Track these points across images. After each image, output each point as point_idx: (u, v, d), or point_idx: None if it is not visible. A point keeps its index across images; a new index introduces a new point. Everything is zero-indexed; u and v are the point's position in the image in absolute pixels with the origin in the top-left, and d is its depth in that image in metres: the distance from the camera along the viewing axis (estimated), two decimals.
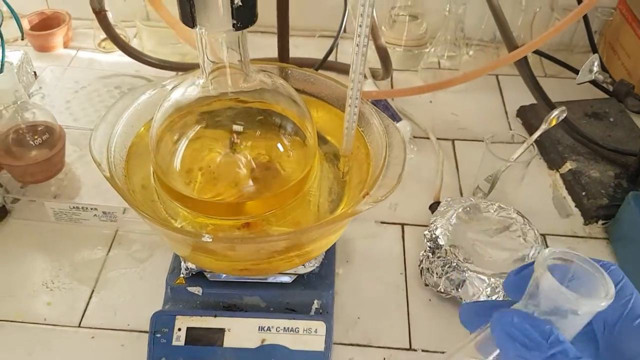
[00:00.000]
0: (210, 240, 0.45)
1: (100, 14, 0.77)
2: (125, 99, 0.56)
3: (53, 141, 0.69)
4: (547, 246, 0.65)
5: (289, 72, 0.62)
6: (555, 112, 0.69)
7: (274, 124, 0.52)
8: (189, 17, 0.42)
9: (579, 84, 0.80)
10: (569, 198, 0.77)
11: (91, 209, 0.69)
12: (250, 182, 0.51)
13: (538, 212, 0.75)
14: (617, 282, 0.32)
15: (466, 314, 0.36)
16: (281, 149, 0.52)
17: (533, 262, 0.31)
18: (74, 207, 0.69)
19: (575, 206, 0.76)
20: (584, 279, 0.30)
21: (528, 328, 0.29)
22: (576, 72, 0.94)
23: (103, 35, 1.00)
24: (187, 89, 0.50)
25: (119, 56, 0.97)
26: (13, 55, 0.85)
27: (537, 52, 0.95)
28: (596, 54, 0.75)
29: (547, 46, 0.96)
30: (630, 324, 0.31)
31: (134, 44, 1.01)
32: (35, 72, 0.89)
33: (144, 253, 0.69)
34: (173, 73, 0.93)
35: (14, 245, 0.69)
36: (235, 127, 0.51)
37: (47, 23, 0.99)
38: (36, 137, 0.68)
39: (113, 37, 0.80)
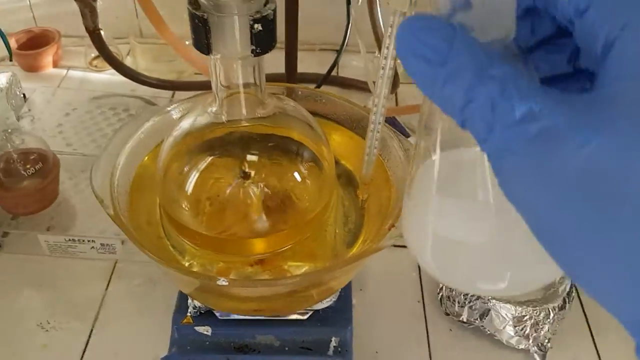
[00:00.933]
0: (226, 284, 0.41)
1: (94, 33, 0.73)
2: (127, 128, 0.52)
3: (47, 170, 0.65)
4: None
5: (299, 92, 0.59)
6: None
7: (289, 151, 0.49)
8: (203, 43, 0.39)
9: None
10: None
11: (88, 241, 0.65)
12: (265, 216, 0.47)
13: None
14: None
15: None
16: (297, 178, 0.49)
17: None
18: (70, 240, 0.65)
19: None
20: None
21: (431, 34, 0.21)
22: None
23: (94, 54, 0.96)
24: (198, 116, 0.47)
25: (111, 75, 0.93)
26: (0, 77, 0.80)
27: None
28: None
29: None
30: None
31: (127, 61, 0.97)
32: (24, 95, 0.85)
33: (145, 286, 0.65)
34: (169, 92, 0.89)
35: (5, 281, 0.65)
36: (249, 156, 0.47)
37: (35, 42, 0.94)
38: (28, 166, 0.64)
39: (108, 56, 0.76)
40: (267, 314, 0.52)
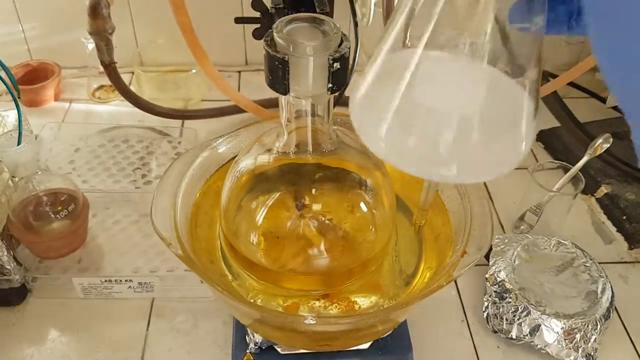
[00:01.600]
0: (314, 322, 0.41)
1: (110, 67, 0.72)
2: (177, 166, 0.51)
3: (77, 211, 0.63)
4: (607, 277, 0.63)
5: (337, 119, 0.58)
6: (600, 141, 0.68)
7: (354, 184, 0.48)
8: (281, 84, 0.39)
9: (609, 107, 0.80)
10: (608, 223, 0.76)
11: (126, 280, 0.63)
12: (334, 252, 0.47)
13: (581, 240, 0.74)
14: None
15: None
16: (364, 213, 0.48)
17: None
18: (106, 281, 0.63)
19: (617, 231, 0.75)
20: None
21: None
22: (585, 91, 0.95)
23: (96, 84, 0.94)
24: (261, 152, 0.46)
25: (116, 106, 0.92)
26: (10, 115, 0.78)
27: (546, 72, 0.95)
28: None
29: (555, 67, 0.96)
30: None
31: None
32: (32, 131, 0.82)
33: (187, 323, 0.63)
34: (178, 121, 0.88)
35: (40, 327, 0.62)
36: (315, 191, 0.47)
37: (33, 75, 0.92)
38: (59, 208, 0.62)
39: (124, 90, 0.75)
40: (335, 348, 0.52)
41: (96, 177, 0.77)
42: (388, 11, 0.76)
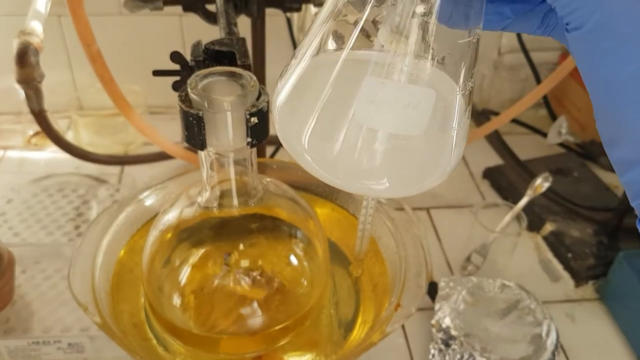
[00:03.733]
0: None
1: (40, 115, 0.69)
2: (100, 222, 0.49)
3: (1, 269, 0.60)
4: (552, 319, 0.62)
5: (274, 166, 0.57)
6: (539, 180, 0.68)
7: (283, 236, 0.47)
8: (198, 140, 0.37)
9: (549, 145, 0.80)
10: (554, 260, 0.75)
11: (54, 342, 0.59)
12: (263, 310, 0.45)
13: (528, 279, 0.73)
14: None
15: None
16: (294, 265, 0.47)
17: None
18: (33, 343, 0.59)
19: (564, 268, 0.74)
20: None
21: None
22: (529, 127, 0.96)
23: (32, 130, 0.91)
24: (186, 207, 0.44)
25: (53, 152, 0.89)
26: None
27: (488, 110, 0.95)
28: (563, 116, 0.75)
29: (498, 103, 0.96)
30: None
31: (69, 136, 0.92)
32: None
33: None
34: (117, 167, 0.85)
35: None
36: (242, 246, 0.45)
37: None
38: None
39: (56, 138, 0.72)
40: None
41: (28, 229, 0.74)
42: None
